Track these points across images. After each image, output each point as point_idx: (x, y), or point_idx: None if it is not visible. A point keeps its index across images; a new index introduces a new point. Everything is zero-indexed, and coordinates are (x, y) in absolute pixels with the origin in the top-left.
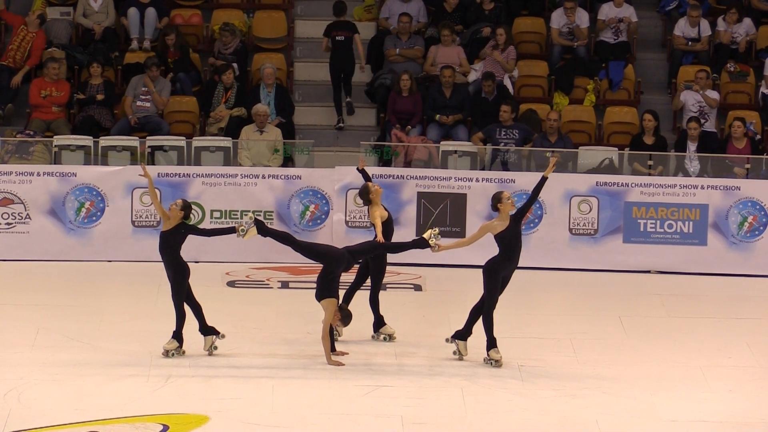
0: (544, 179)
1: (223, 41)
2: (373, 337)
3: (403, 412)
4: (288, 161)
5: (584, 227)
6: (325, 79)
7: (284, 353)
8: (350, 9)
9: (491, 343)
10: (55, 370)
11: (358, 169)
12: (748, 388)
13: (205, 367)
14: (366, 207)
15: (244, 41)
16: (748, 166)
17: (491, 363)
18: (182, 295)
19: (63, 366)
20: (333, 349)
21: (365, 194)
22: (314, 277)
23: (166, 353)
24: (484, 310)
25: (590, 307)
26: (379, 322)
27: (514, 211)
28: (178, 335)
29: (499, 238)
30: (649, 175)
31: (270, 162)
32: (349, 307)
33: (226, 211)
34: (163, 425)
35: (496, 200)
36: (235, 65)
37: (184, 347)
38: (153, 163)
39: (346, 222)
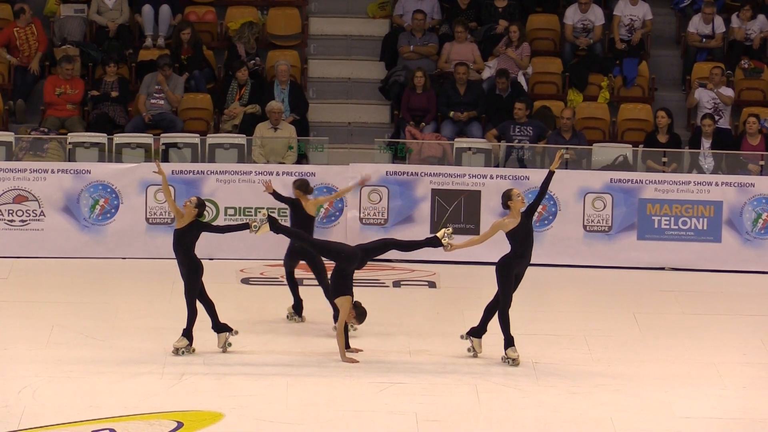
0: (551, 173)
1: (251, 44)
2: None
3: (418, 409)
4: (302, 158)
5: (598, 224)
6: (339, 76)
7: (298, 350)
8: (364, 6)
9: (509, 342)
10: (69, 368)
11: (269, 192)
12: (762, 384)
13: (219, 364)
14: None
15: (257, 37)
16: (762, 162)
17: (509, 362)
18: (195, 292)
19: (77, 363)
20: (347, 346)
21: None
22: (328, 275)
23: (176, 351)
24: (499, 309)
25: (604, 304)
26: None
27: (524, 208)
28: (188, 333)
29: (510, 235)
30: (663, 172)
31: (284, 159)
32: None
33: (240, 208)
34: (178, 422)
35: (507, 198)
36: (257, 58)
37: (195, 345)
38: (167, 161)
39: (360, 219)
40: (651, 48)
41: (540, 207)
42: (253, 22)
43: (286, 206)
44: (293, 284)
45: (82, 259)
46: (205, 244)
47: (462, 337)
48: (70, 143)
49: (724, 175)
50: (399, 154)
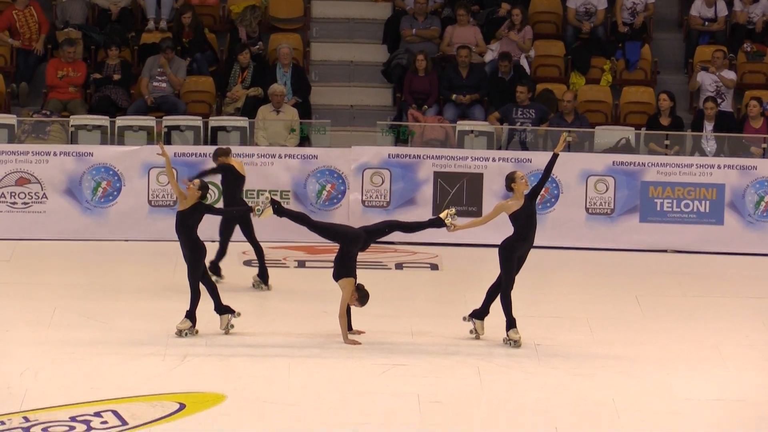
0: (555, 156)
1: (252, 27)
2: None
3: (419, 390)
4: (304, 141)
5: (601, 207)
6: (342, 59)
7: (300, 332)
8: None
9: (510, 324)
10: (71, 349)
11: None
12: (764, 366)
13: (222, 346)
14: None
15: (260, 21)
16: (764, 145)
17: (510, 343)
18: (198, 274)
19: (80, 345)
20: (350, 328)
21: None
22: (331, 257)
23: (179, 333)
24: (501, 290)
25: (606, 287)
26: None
27: (528, 190)
28: (191, 315)
29: (513, 217)
30: (666, 154)
31: (286, 142)
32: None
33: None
34: (180, 404)
35: (510, 180)
36: (260, 43)
37: (198, 326)
38: (169, 143)
39: (363, 201)
40: (653, 31)
41: (542, 190)
42: (255, 6)
43: (288, 189)
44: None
45: (84, 242)
46: (207, 226)
47: (464, 319)
48: (72, 126)
49: (726, 158)
50: (401, 137)
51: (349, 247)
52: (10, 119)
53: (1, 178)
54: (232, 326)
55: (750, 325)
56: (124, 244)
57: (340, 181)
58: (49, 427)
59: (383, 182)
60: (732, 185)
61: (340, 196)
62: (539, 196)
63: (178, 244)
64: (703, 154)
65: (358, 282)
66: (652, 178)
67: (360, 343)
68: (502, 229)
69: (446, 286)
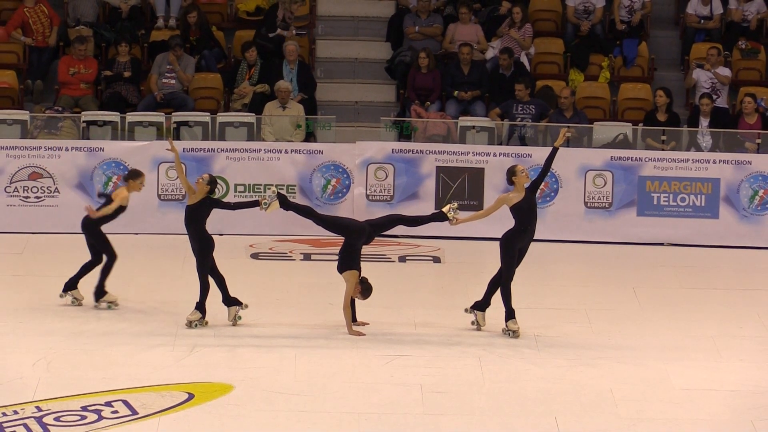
0: (555, 150)
1: (292, 9)
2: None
3: (423, 380)
4: (310, 136)
5: (599, 201)
6: (347, 56)
7: (306, 323)
8: None
9: (509, 314)
10: (83, 340)
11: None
12: (759, 357)
13: (229, 337)
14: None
15: (296, 15)
16: (759, 141)
17: (509, 334)
18: (206, 267)
19: (91, 336)
20: (354, 320)
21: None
22: (336, 250)
23: (189, 324)
24: (502, 282)
25: (605, 279)
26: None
27: (529, 184)
28: (201, 306)
29: (514, 210)
30: (662, 149)
31: (292, 137)
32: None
33: (249, 185)
34: (189, 394)
35: (511, 173)
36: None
37: (207, 318)
38: (178, 139)
39: (367, 195)
40: (650, 29)
41: (542, 184)
42: None
43: (294, 183)
44: None
45: None
46: (215, 220)
47: (466, 310)
48: (83, 122)
49: (721, 153)
50: (404, 133)
51: (353, 240)
52: (23, 115)
53: (14, 173)
54: (240, 318)
55: (745, 316)
56: (134, 237)
57: (345, 175)
58: (61, 416)
59: (387, 177)
60: (727, 180)
61: (344, 190)
62: (539, 190)
63: (187, 237)
64: (698, 149)
65: (362, 275)
66: (649, 172)
67: (364, 334)
68: (503, 223)
69: (448, 278)
